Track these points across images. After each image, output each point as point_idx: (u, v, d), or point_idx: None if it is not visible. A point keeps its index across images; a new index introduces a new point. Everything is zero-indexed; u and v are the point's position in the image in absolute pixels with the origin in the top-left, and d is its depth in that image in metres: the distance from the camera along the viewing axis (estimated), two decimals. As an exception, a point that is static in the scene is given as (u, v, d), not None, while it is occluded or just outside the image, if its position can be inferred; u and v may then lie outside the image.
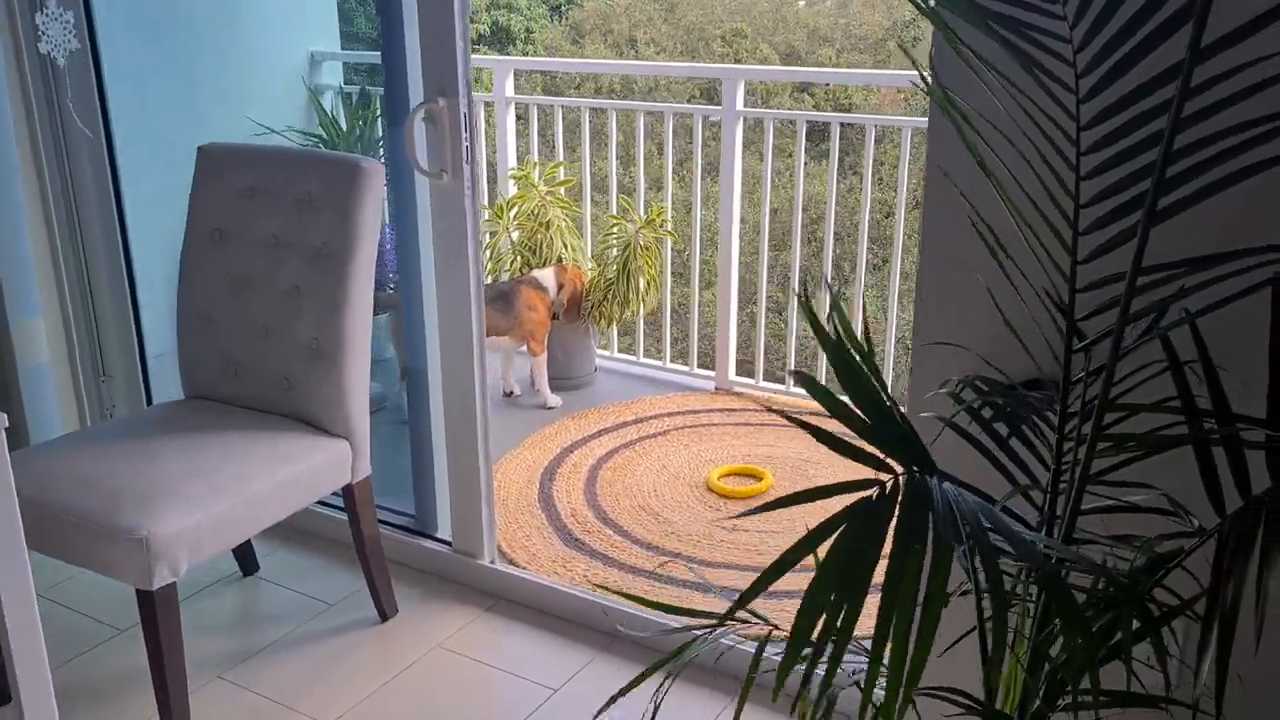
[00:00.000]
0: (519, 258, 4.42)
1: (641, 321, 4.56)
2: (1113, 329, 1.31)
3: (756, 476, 3.68)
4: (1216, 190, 1.23)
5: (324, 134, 4.88)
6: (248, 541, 2.95)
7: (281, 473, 2.41)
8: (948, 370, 1.79)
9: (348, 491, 2.62)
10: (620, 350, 4.81)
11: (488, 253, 4.39)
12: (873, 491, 1.13)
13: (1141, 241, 1.25)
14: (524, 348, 4.29)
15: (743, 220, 4.38)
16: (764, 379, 4.45)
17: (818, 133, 6.64)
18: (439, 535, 3.03)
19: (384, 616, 2.79)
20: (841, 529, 1.10)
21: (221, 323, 2.67)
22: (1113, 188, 1.32)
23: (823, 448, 1.17)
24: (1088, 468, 1.40)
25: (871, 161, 4.09)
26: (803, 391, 4.34)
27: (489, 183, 4.95)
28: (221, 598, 2.94)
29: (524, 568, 3.08)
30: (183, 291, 2.71)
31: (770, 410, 4.22)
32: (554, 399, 4.32)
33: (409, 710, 2.48)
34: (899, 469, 1.17)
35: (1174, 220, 1.26)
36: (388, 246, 4.80)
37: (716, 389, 4.49)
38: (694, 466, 3.79)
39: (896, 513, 1.12)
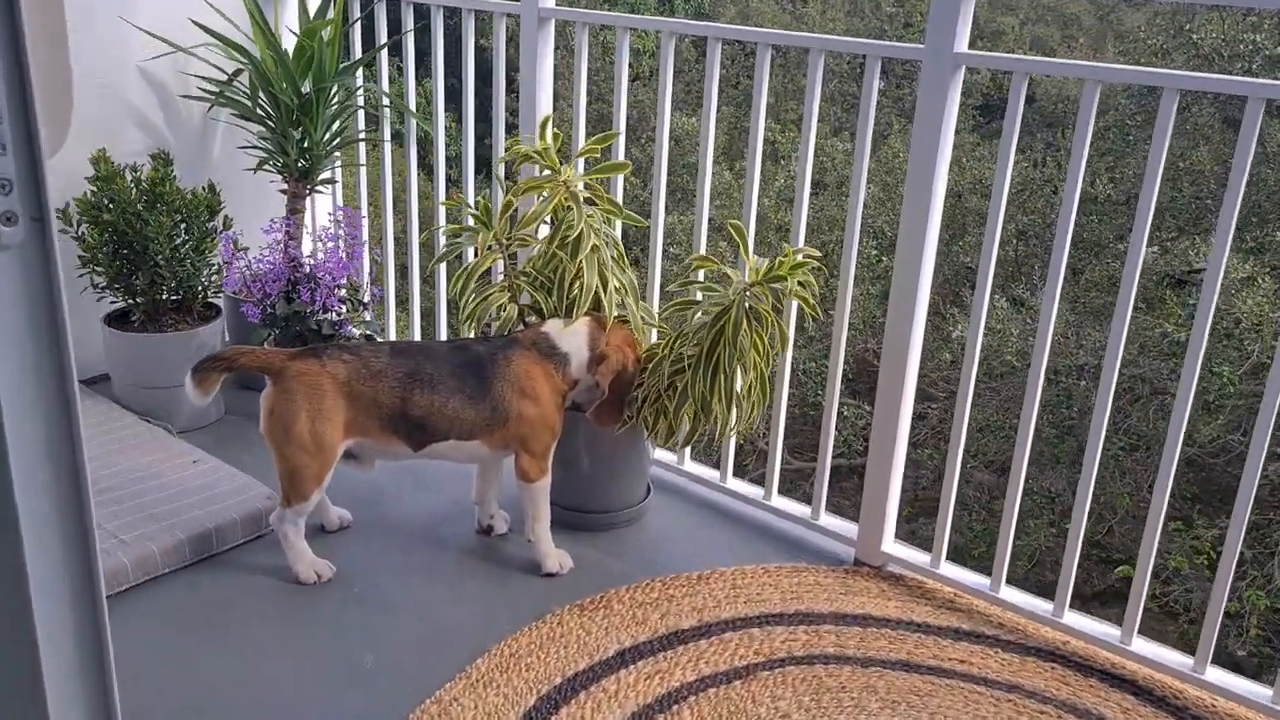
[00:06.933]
0: (521, 294, 2.47)
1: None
2: None
3: None
4: None
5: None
6: None
7: None
8: None
9: None
10: (696, 456, 2.83)
11: (459, 284, 2.43)
12: None
13: None
14: (510, 461, 2.37)
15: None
16: (950, 557, 2.41)
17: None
18: None
19: None
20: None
21: None
22: None
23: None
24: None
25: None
26: (1038, 605, 2.28)
27: (481, 163, 2.94)
28: None
29: None
30: None
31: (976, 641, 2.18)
32: (556, 559, 2.38)
33: None
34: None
35: None
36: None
37: (858, 563, 2.48)
38: (798, 797, 1.80)
39: None
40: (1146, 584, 2.13)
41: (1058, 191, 8.90)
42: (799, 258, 2.21)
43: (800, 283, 2.20)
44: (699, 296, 2.34)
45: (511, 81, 3.11)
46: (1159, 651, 2.14)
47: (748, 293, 2.20)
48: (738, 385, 2.24)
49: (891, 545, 2.45)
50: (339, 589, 2.31)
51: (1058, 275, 2.11)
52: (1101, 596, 7.67)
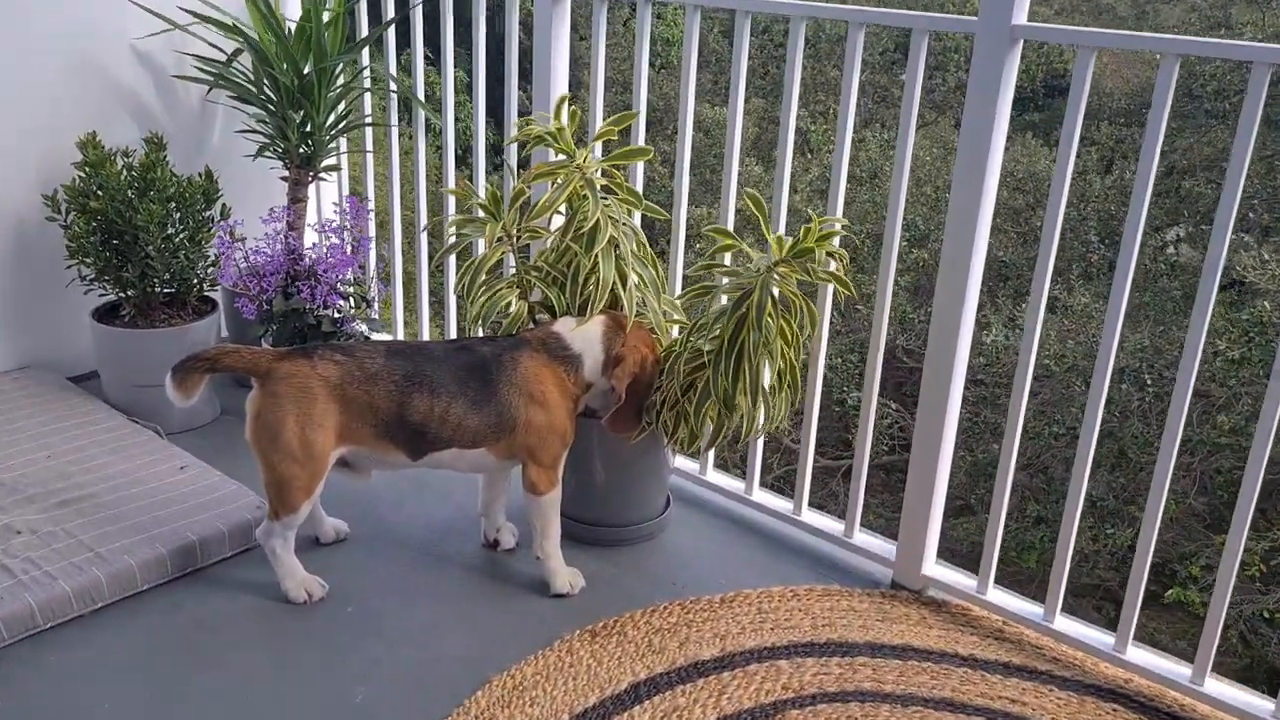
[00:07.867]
0: (531, 290, 2.28)
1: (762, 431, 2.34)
2: None
3: None
4: None
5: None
6: None
7: None
8: None
9: None
10: (719, 465, 2.63)
11: (466, 280, 2.24)
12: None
13: None
14: (519, 469, 2.18)
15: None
16: (1000, 582, 2.20)
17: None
18: None
19: None
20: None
21: None
22: None
23: None
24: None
25: None
26: (1097, 638, 2.06)
27: (490, 146, 2.74)
28: None
29: None
30: None
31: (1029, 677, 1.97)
32: (566, 577, 2.19)
33: None
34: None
35: None
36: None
37: (896, 586, 2.27)
38: None
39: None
40: (1218, 634, 1.91)
41: (1089, 182, 8.62)
42: (825, 228, 1.99)
43: (830, 254, 1.99)
44: (722, 281, 2.13)
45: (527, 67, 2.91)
46: (1234, 694, 1.92)
47: (773, 272, 1.98)
48: (765, 378, 2.03)
49: (933, 568, 2.24)
50: (332, 608, 2.13)
51: (1121, 295, 1.90)
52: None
